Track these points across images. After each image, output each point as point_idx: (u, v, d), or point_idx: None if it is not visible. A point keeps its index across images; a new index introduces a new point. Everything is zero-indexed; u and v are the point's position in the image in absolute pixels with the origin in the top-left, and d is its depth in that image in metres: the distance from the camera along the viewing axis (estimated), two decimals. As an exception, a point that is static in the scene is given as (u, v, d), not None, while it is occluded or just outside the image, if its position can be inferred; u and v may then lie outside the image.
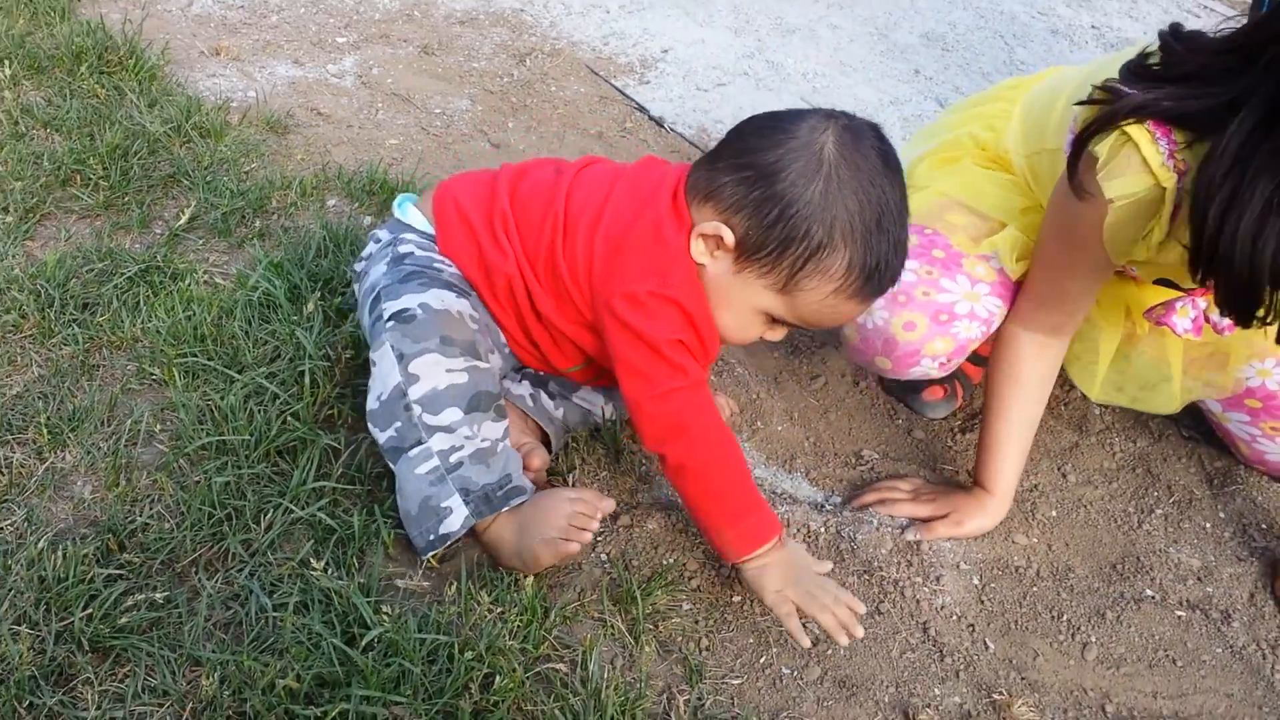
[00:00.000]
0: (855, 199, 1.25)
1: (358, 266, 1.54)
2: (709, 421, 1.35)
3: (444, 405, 1.30)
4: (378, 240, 1.52)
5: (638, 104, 2.64)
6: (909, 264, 1.48)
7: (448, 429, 1.31)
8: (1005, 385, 1.58)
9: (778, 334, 1.40)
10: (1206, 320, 1.46)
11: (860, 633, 1.34)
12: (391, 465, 1.34)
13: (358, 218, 2.01)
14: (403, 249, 1.46)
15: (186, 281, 1.74)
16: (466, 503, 1.32)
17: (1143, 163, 1.24)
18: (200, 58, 2.51)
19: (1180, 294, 1.47)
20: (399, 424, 1.31)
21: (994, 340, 1.62)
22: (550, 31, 2.91)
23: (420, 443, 1.31)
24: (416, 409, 1.30)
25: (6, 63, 2.26)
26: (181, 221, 1.90)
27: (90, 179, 1.96)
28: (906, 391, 1.85)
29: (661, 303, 1.31)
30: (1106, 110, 1.26)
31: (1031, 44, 3.12)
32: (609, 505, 1.39)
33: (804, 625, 1.35)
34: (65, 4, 2.54)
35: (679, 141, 2.51)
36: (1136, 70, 1.29)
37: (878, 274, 1.29)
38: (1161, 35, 1.28)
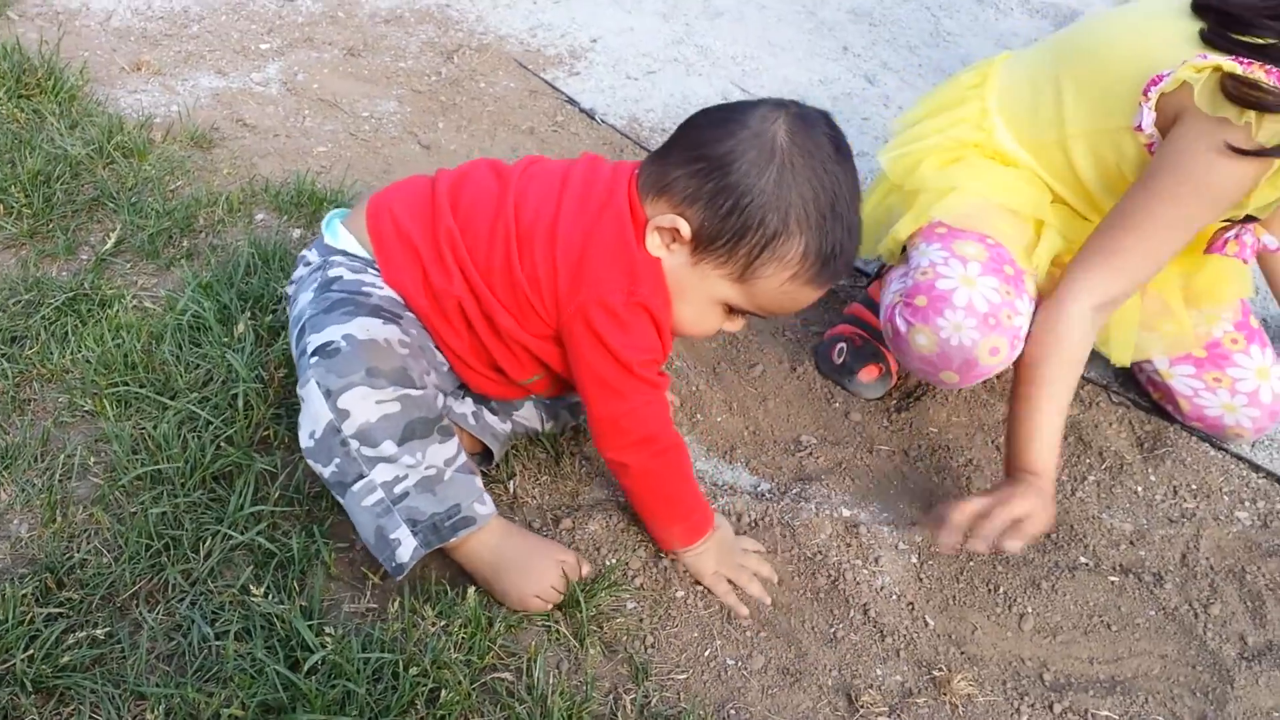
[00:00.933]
0: (809, 186, 1.27)
1: (288, 289, 1.50)
2: (669, 428, 1.42)
3: (379, 438, 1.27)
4: (307, 263, 1.47)
5: (568, 97, 2.63)
6: (990, 281, 1.55)
7: (389, 459, 1.28)
8: (1057, 366, 1.54)
9: (736, 324, 1.42)
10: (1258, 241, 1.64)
11: (765, 595, 1.49)
12: (339, 499, 1.32)
13: (286, 231, 2.00)
14: (331, 273, 1.41)
15: (115, 308, 1.72)
16: (414, 533, 1.31)
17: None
18: (121, 74, 2.48)
19: (1234, 225, 1.60)
20: (338, 460, 1.28)
21: (1037, 322, 1.58)
22: (477, 26, 2.89)
23: (362, 476, 1.29)
24: (353, 443, 1.27)
25: (-80, 91, 2.22)
26: (108, 246, 1.88)
27: (13, 207, 1.94)
28: (842, 374, 1.87)
29: (635, 313, 1.32)
30: None
31: (958, 14, 3.14)
32: (587, 570, 1.45)
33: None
34: (-21, 26, 2.50)
35: (611, 134, 2.51)
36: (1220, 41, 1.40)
37: (833, 259, 1.31)
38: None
